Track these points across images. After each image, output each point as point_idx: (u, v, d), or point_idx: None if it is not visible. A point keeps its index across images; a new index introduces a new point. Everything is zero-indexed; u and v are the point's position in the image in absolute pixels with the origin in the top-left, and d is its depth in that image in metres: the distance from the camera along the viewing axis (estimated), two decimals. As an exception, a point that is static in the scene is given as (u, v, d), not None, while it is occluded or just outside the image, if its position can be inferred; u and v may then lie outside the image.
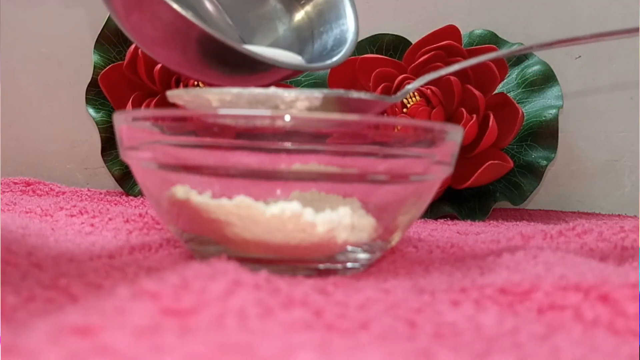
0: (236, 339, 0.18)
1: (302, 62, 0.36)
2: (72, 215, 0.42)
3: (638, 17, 0.68)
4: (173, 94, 0.32)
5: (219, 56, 0.33)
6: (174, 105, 0.34)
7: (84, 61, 0.70)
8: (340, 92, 0.32)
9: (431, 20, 0.70)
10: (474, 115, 0.56)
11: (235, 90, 0.30)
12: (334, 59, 0.37)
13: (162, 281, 0.21)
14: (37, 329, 0.17)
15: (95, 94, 0.65)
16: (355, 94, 0.33)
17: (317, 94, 0.30)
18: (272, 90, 0.30)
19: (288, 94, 0.30)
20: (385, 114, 0.58)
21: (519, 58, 0.64)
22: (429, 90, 0.57)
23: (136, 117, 0.30)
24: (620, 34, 0.35)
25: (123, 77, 0.62)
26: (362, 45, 0.64)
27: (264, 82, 0.36)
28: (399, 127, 0.29)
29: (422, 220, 0.55)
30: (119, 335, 0.17)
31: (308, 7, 0.39)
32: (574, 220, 0.43)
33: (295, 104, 0.30)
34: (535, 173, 0.60)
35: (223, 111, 0.28)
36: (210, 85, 0.57)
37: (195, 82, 0.59)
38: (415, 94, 0.57)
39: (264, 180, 0.28)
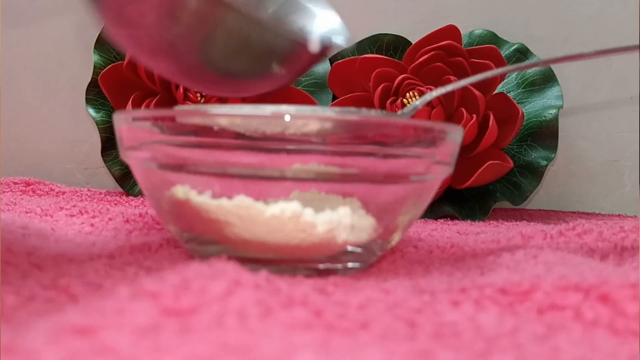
0: (236, 339, 0.18)
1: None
2: (72, 215, 0.42)
3: (638, 17, 0.68)
4: None
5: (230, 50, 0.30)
6: (174, 105, 0.34)
7: (84, 61, 0.70)
8: (351, 110, 0.32)
9: (431, 20, 0.70)
10: (474, 115, 0.55)
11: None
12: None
13: (162, 281, 0.21)
14: (37, 329, 0.17)
15: (95, 94, 0.64)
16: (365, 112, 0.33)
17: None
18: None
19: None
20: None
21: (519, 58, 0.64)
22: (428, 91, 0.57)
23: (136, 117, 0.30)
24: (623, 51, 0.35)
25: (123, 77, 0.62)
26: (362, 45, 0.64)
27: (259, 90, 0.33)
28: (399, 127, 0.29)
29: (422, 220, 0.55)
30: (119, 335, 0.17)
31: None
32: (574, 220, 0.43)
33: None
34: (535, 173, 0.60)
35: (221, 111, 0.28)
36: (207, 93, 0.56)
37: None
38: (416, 94, 0.57)
39: (264, 180, 0.28)
